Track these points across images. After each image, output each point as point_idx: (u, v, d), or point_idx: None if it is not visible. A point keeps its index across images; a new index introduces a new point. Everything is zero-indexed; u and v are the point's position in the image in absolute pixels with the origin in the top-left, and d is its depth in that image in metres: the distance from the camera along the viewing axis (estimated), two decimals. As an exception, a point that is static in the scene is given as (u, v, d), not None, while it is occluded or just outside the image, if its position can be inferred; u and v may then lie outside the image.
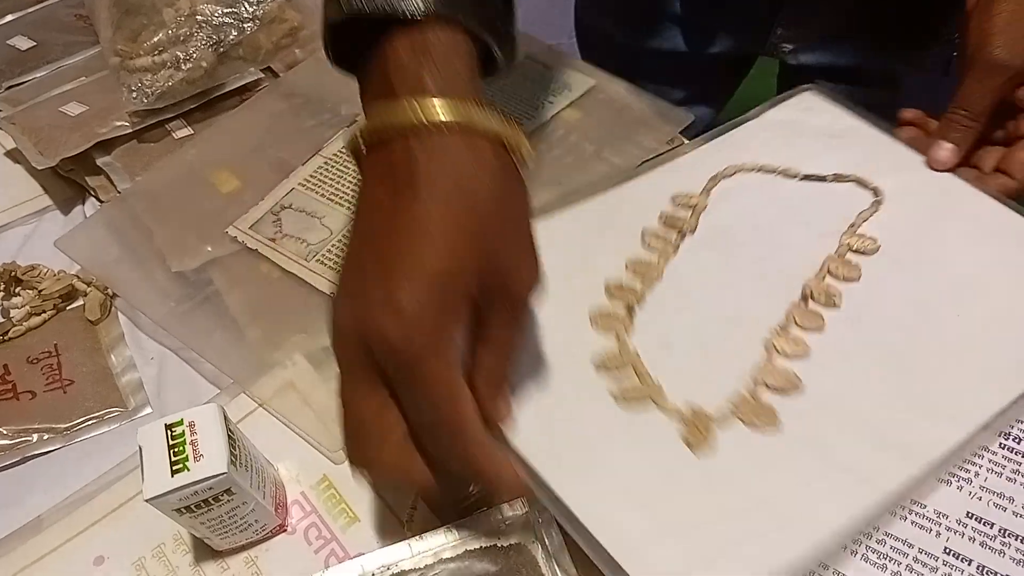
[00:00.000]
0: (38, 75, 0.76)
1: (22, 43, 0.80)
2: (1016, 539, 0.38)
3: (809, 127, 0.56)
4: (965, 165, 0.53)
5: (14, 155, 0.70)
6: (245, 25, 0.71)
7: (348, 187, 0.58)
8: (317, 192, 0.58)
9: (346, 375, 0.34)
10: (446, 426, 0.34)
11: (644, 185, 0.53)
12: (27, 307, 0.57)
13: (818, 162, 0.54)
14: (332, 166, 0.60)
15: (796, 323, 0.45)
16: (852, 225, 0.50)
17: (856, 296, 0.46)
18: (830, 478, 0.38)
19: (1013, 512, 0.38)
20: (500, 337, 0.36)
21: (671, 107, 0.63)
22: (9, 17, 0.84)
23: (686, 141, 0.63)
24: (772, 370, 0.42)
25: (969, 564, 0.37)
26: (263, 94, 0.68)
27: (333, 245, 0.55)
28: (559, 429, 0.41)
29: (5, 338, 0.55)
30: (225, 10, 0.71)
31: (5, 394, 0.52)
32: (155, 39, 0.69)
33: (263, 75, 0.71)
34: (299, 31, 0.74)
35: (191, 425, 0.39)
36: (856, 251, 0.48)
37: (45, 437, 0.50)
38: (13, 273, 0.59)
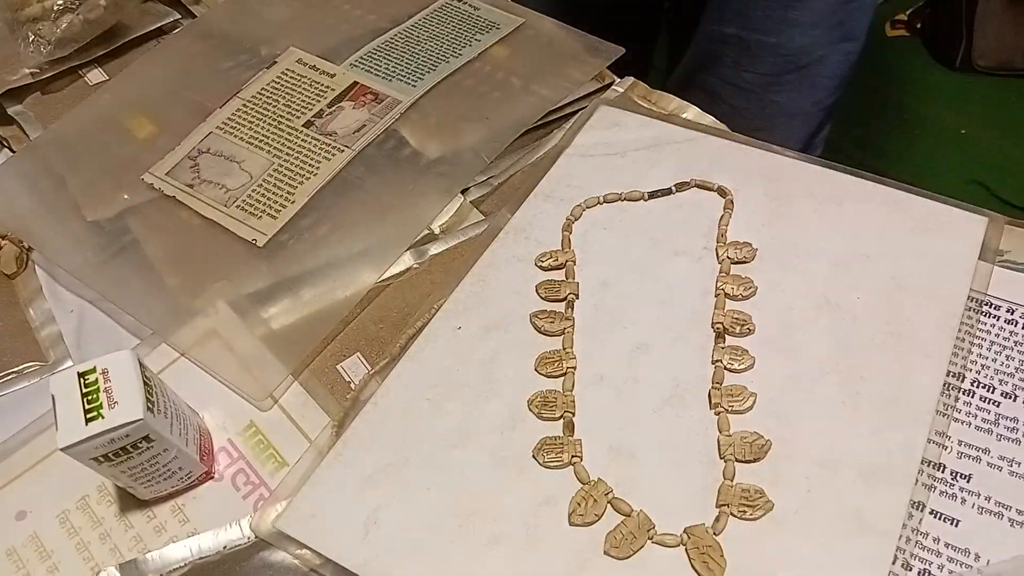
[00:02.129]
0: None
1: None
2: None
3: (624, 143, 0.55)
4: None
5: (-83, 105, 0.67)
6: None
7: (267, 130, 0.57)
8: (235, 136, 0.56)
9: None
10: None
11: (502, 255, 0.50)
12: (-64, 262, 0.54)
13: (653, 175, 0.53)
14: (251, 108, 0.58)
15: (726, 368, 0.44)
16: (720, 235, 0.50)
17: (762, 312, 0.46)
18: (845, 532, 0.38)
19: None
20: None
21: (602, 41, 0.63)
22: None
23: (616, 79, 0.62)
24: (734, 440, 0.41)
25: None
26: (178, 35, 0.66)
27: (253, 191, 0.53)
28: None
29: (-87, 295, 0.53)
30: None
31: (-84, 351, 0.50)
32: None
33: (179, 15, 0.68)
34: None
35: (104, 372, 0.38)
36: (738, 262, 0.48)
37: (-39, 394, 0.49)
38: (-79, 228, 0.56)
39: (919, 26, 2.12)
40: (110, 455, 0.38)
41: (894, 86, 1.97)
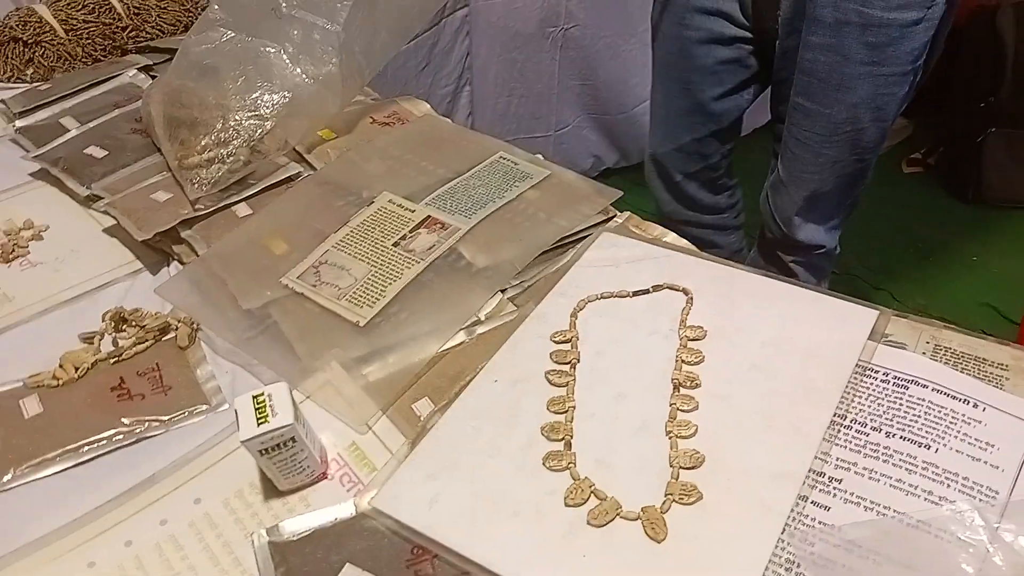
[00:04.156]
0: (120, 175, 0.98)
1: (97, 152, 1.03)
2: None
3: (619, 257, 0.78)
4: None
5: (111, 231, 0.93)
6: (267, 124, 0.93)
7: (367, 248, 0.80)
8: (345, 252, 0.80)
9: None
10: None
11: (528, 334, 0.71)
12: (134, 338, 0.78)
13: (638, 280, 0.74)
14: (356, 233, 0.82)
15: (679, 409, 0.63)
16: (682, 322, 0.70)
17: (708, 374, 0.66)
18: (752, 512, 0.56)
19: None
20: None
21: (605, 186, 0.86)
22: (74, 132, 1.06)
23: (617, 212, 0.85)
24: (679, 455, 0.60)
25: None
26: (303, 182, 0.91)
27: (357, 289, 0.76)
28: (543, 555, 0.55)
29: (120, 359, 0.76)
30: (250, 114, 0.94)
31: (123, 397, 0.73)
32: (202, 143, 0.92)
33: (302, 168, 0.94)
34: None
35: (268, 395, 0.60)
36: (693, 339, 0.69)
37: (154, 425, 0.71)
38: (121, 314, 0.80)
39: (933, 164, 2.32)
40: (270, 449, 0.59)
41: (910, 218, 2.16)
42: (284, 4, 0.91)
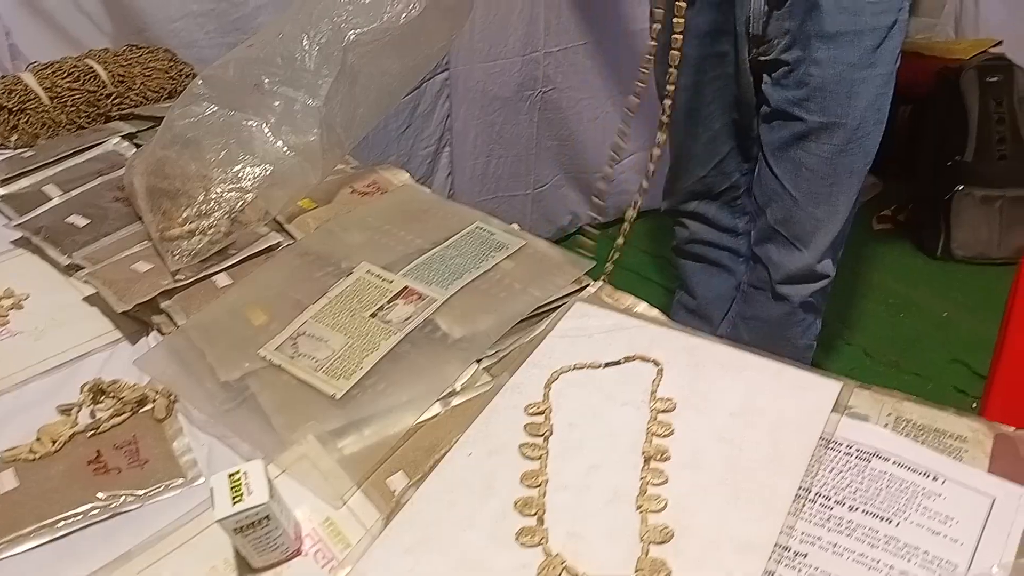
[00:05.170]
0: (101, 243, 1.00)
1: (79, 221, 1.04)
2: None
3: (591, 328, 0.79)
4: None
5: (91, 300, 0.94)
6: (248, 196, 0.95)
7: (345, 319, 0.82)
8: (324, 323, 0.81)
9: None
10: None
11: (502, 405, 0.72)
12: (111, 410, 0.78)
13: (610, 351, 0.76)
14: (335, 305, 0.84)
15: (650, 483, 0.65)
16: (652, 393, 0.72)
17: (677, 445, 0.67)
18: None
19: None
20: None
21: (578, 256, 0.88)
22: (56, 200, 1.08)
23: (590, 281, 0.87)
24: (650, 529, 0.61)
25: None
26: (284, 252, 0.93)
27: (335, 361, 0.77)
28: None
29: (97, 432, 0.77)
30: (231, 186, 0.95)
31: (99, 470, 0.73)
32: (184, 214, 0.94)
33: (283, 238, 0.96)
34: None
35: (244, 473, 0.60)
36: (663, 411, 0.70)
37: (129, 500, 0.71)
38: (100, 386, 0.81)
39: (903, 220, 2.37)
40: (244, 527, 0.59)
41: (881, 274, 2.20)
42: (267, 80, 0.94)
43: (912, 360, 1.92)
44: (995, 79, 2.20)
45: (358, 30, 0.91)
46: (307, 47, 0.91)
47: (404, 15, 0.91)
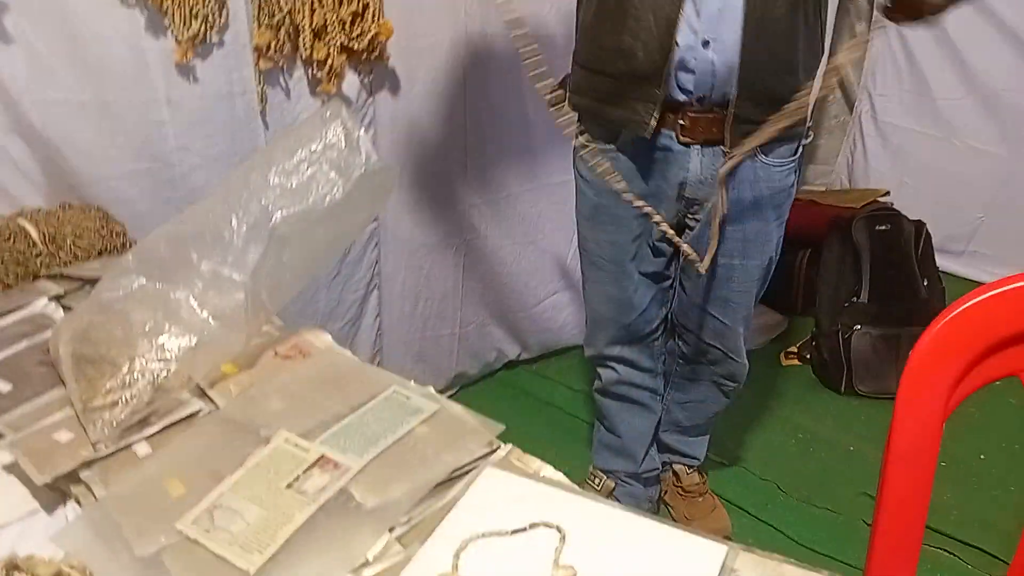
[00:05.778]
0: (23, 409, 1.01)
1: (3, 386, 1.05)
2: None
3: (499, 495, 0.85)
4: None
5: (9, 468, 0.95)
6: (171, 366, 0.99)
7: (261, 490, 0.85)
8: (240, 495, 0.84)
9: None
10: None
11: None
12: (24, 588, 0.79)
13: (516, 518, 0.81)
14: (252, 475, 0.87)
15: None
16: (555, 561, 0.77)
17: None
18: None
19: None
20: None
21: (489, 420, 0.94)
22: None
23: (501, 444, 0.92)
24: None
25: None
26: (204, 421, 0.96)
27: (250, 535, 0.80)
28: None
29: (7, 612, 0.77)
30: (156, 357, 0.99)
31: (8, 653, 0.73)
32: (108, 385, 0.97)
33: (204, 404, 0.99)
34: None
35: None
36: None
37: None
38: (14, 562, 0.81)
39: (808, 357, 2.51)
40: None
41: (790, 409, 2.31)
42: (195, 255, 1.00)
43: (823, 495, 2.00)
44: (884, 227, 2.40)
45: (285, 211, 0.99)
46: (235, 226, 0.98)
47: (327, 197, 0.99)
